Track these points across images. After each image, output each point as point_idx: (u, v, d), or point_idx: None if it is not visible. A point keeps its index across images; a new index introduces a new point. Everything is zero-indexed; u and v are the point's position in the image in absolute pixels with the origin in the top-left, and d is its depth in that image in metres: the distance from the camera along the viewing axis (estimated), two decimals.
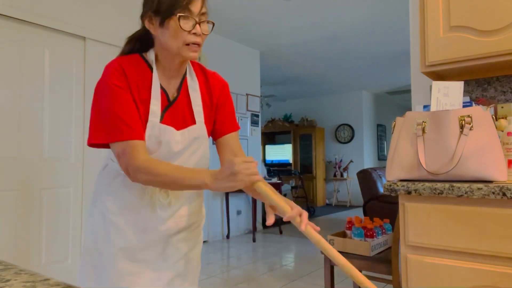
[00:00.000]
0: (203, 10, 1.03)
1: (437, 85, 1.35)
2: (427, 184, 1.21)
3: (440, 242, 1.20)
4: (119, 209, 1.10)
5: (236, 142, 1.19)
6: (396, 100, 10.09)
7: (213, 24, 1.07)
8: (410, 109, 1.71)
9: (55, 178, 2.80)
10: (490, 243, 1.12)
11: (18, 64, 2.64)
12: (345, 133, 9.00)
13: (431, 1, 1.58)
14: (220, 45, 5.24)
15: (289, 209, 0.97)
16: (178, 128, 1.09)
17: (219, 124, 1.18)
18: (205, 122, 1.14)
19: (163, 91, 1.10)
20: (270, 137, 10.00)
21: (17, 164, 2.61)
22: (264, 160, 9.57)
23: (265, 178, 5.91)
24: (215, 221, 5.13)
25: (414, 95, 2.02)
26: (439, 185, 1.19)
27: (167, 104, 1.10)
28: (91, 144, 1.06)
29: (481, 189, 1.12)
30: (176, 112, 1.10)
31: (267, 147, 9.76)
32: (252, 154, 5.81)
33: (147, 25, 1.05)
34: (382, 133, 9.68)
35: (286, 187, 6.75)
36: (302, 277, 3.37)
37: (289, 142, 9.37)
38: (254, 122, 5.85)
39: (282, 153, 9.51)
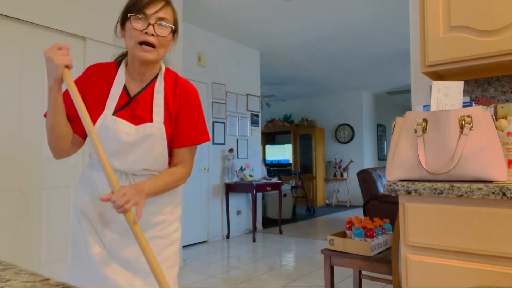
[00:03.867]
0: (161, 15, 1.11)
1: (437, 85, 1.35)
2: (427, 184, 1.21)
3: (440, 242, 1.20)
4: (89, 200, 1.19)
5: (185, 156, 1.22)
6: (396, 100, 10.09)
7: (172, 28, 1.14)
8: (410, 109, 1.71)
9: (55, 178, 2.80)
10: (490, 243, 1.12)
11: (18, 64, 2.64)
12: (345, 133, 9.00)
13: (431, 1, 1.58)
14: (220, 45, 5.24)
15: (116, 184, 1.05)
16: (135, 124, 1.16)
17: (175, 136, 1.21)
18: (165, 123, 1.18)
19: (125, 91, 1.18)
20: (270, 137, 10.00)
21: (17, 164, 2.61)
22: (264, 160, 9.57)
23: (265, 178, 5.91)
24: (215, 221, 5.13)
25: (414, 95, 2.02)
26: (439, 185, 1.19)
27: (127, 101, 1.17)
28: None
29: (481, 189, 1.12)
30: (135, 110, 1.17)
31: (267, 147, 9.76)
32: (252, 154, 5.81)
33: (119, 33, 1.17)
34: (382, 133, 9.68)
35: (286, 187, 6.75)
36: (302, 277, 3.37)
37: (289, 143, 9.36)
38: (254, 122, 5.85)
39: (282, 153, 9.51)
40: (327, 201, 9.22)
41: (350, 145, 8.93)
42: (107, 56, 3.46)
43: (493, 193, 1.10)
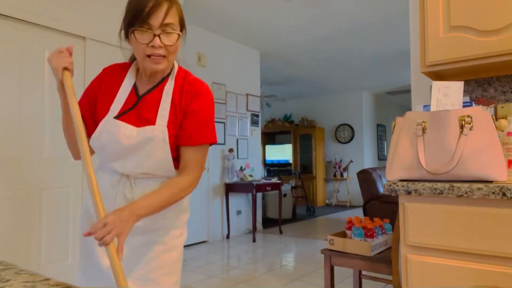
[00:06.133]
0: (167, 21, 1.03)
1: (437, 85, 1.35)
2: (427, 184, 1.21)
3: (440, 242, 1.20)
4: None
5: (189, 157, 1.13)
6: (396, 100, 10.08)
7: (179, 35, 1.07)
8: (410, 109, 1.71)
9: (55, 178, 2.80)
10: (490, 243, 1.12)
11: (18, 64, 2.64)
12: (345, 133, 9.00)
13: (431, 1, 1.58)
14: (220, 45, 5.24)
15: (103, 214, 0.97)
16: (138, 126, 1.11)
17: (179, 135, 1.13)
18: (169, 127, 1.11)
19: (135, 90, 1.15)
20: (270, 137, 10.00)
21: (17, 164, 2.61)
22: (264, 160, 9.57)
23: (265, 178, 5.90)
24: (215, 221, 5.13)
25: (414, 95, 2.02)
26: (439, 185, 1.19)
27: (135, 100, 1.14)
28: None
29: (481, 189, 1.12)
30: (142, 111, 1.13)
31: (267, 147, 9.76)
32: (252, 154, 5.81)
33: (124, 40, 1.11)
34: (382, 133, 9.68)
35: (286, 187, 6.75)
36: (302, 277, 3.37)
37: (289, 143, 9.37)
38: (254, 122, 5.85)
39: (282, 153, 9.51)
40: (327, 201, 9.22)
41: (350, 145, 8.93)
42: (107, 56, 3.45)
43: (493, 193, 1.10)
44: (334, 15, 4.49)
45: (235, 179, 5.30)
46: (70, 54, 1.06)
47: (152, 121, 1.11)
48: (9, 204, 2.54)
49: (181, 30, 1.10)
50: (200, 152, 1.14)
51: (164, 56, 1.05)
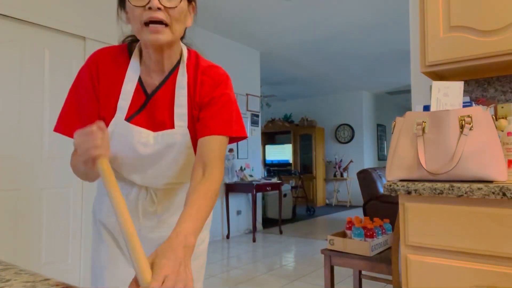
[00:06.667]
0: None
1: (437, 85, 1.35)
2: (427, 184, 1.21)
3: (440, 242, 1.20)
4: (108, 212, 1.06)
5: (212, 147, 0.90)
6: (396, 100, 10.09)
7: None
8: (410, 109, 1.71)
9: (55, 178, 2.80)
10: (490, 243, 1.12)
11: (18, 64, 2.64)
12: (345, 133, 9.00)
13: (431, 1, 1.58)
14: (220, 45, 5.24)
15: (149, 275, 0.60)
16: (155, 130, 0.95)
17: (199, 125, 0.95)
18: (190, 127, 0.96)
19: (140, 86, 0.96)
20: (270, 137, 10.00)
21: (17, 164, 2.61)
22: (264, 160, 9.57)
23: (265, 178, 5.90)
24: (215, 221, 5.13)
25: (414, 95, 2.02)
26: (439, 185, 1.19)
27: (144, 99, 0.96)
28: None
29: (481, 189, 1.12)
30: (154, 111, 0.95)
31: (267, 147, 9.76)
32: (252, 154, 5.81)
33: (124, 17, 0.95)
34: (382, 133, 9.68)
35: (286, 187, 6.75)
36: (302, 277, 3.37)
37: (289, 143, 9.37)
38: (254, 122, 5.85)
39: (282, 153, 9.51)
40: (327, 201, 9.22)
41: (350, 145, 8.93)
42: None
43: (493, 193, 1.10)
44: (334, 15, 4.49)
45: (235, 179, 5.30)
46: (102, 130, 0.78)
47: (168, 123, 0.95)
48: (9, 204, 2.54)
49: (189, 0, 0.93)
50: (222, 145, 0.93)
51: (165, 24, 0.86)
